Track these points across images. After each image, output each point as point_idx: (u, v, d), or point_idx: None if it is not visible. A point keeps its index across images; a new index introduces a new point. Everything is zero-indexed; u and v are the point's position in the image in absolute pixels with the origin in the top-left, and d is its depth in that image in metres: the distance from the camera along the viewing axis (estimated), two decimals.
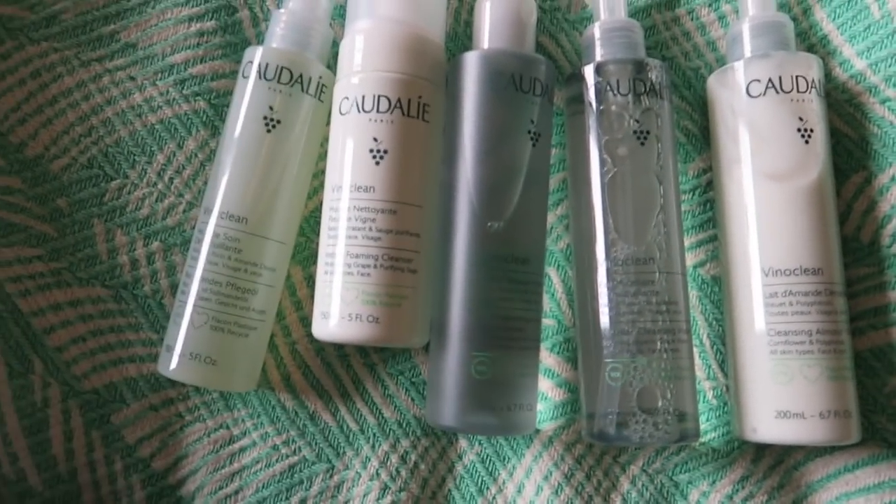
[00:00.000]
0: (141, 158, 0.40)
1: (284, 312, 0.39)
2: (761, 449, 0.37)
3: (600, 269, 0.35)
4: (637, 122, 0.36)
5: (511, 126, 0.35)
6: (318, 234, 0.39)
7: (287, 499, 0.37)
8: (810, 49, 0.40)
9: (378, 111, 0.35)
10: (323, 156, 0.38)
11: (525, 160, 0.35)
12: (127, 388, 0.38)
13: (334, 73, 0.38)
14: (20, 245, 0.39)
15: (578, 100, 0.37)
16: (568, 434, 0.38)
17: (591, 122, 0.36)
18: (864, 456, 0.37)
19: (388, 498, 0.38)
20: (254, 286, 0.36)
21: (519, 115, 0.36)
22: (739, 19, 0.39)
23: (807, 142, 0.36)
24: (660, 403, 0.34)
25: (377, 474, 0.38)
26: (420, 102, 0.36)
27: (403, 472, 0.38)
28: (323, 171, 0.37)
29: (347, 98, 0.36)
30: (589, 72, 0.37)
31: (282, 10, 0.38)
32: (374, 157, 0.35)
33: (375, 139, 0.35)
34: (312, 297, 0.37)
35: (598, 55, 0.37)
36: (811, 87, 0.36)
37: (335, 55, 0.39)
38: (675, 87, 0.40)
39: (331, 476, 0.38)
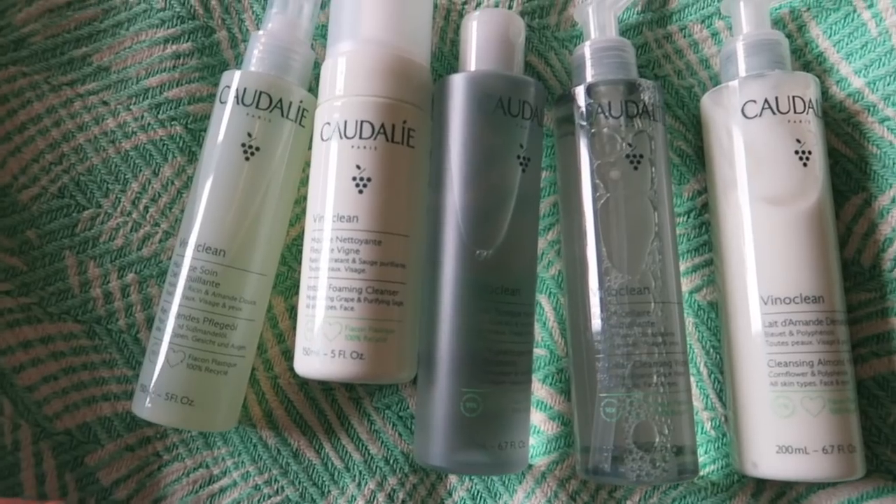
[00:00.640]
0: (115, 186, 0.38)
1: (266, 345, 0.37)
2: (762, 482, 0.36)
3: (593, 300, 0.34)
4: (630, 145, 0.34)
5: (500, 151, 0.34)
6: (300, 263, 0.37)
7: None
8: (806, 67, 0.39)
9: (361, 137, 0.34)
10: (305, 181, 0.37)
11: (515, 186, 0.34)
12: (101, 427, 0.36)
13: (316, 95, 0.36)
14: None
15: (569, 121, 0.36)
16: (562, 469, 0.36)
17: (583, 146, 0.35)
18: (869, 489, 0.36)
19: None
20: (233, 321, 0.34)
21: (508, 140, 0.34)
22: (733, 37, 0.37)
23: (805, 164, 0.35)
24: (657, 440, 0.32)
25: None
26: (405, 127, 0.34)
27: None
28: (305, 198, 0.36)
29: (329, 123, 0.34)
30: (580, 93, 0.35)
31: (261, 32, 0.36)
32: (358, 185, 0.33)
33: (358, 166, 0.33)
34: (295, 328, 0.35)
35: (589, 76, 0.36)
36: (808, 107, 0.35)
37: (317, 76, 0.37)
38: (668, 106, 0.39)
39: None
